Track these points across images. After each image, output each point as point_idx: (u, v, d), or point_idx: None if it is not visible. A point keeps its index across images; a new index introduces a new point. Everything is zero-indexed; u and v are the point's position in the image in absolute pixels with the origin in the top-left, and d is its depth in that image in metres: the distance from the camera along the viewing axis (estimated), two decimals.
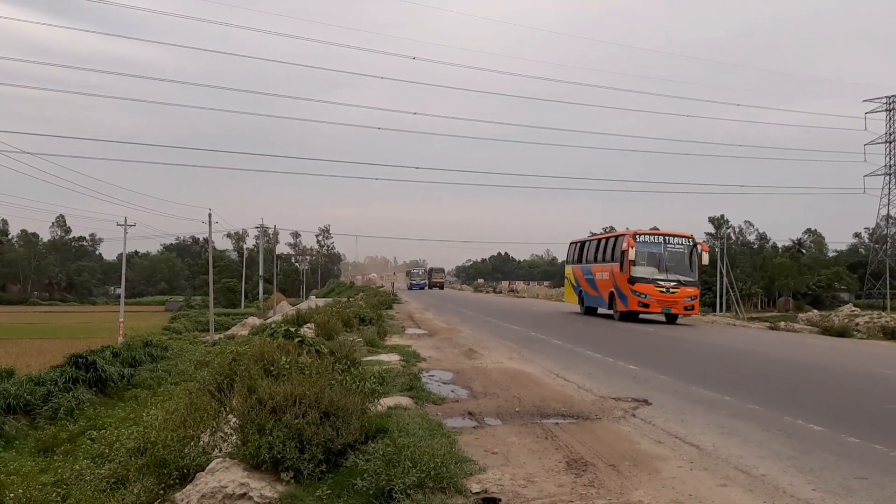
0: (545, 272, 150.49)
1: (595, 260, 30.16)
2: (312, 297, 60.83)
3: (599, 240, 31.59)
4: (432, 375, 12.58)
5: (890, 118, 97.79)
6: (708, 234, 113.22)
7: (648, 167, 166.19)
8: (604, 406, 9.64)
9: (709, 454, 7.09)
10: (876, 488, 5.93)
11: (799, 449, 7.26)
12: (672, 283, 25.74)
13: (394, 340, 19.07)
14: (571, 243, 34.71)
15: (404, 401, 9.39)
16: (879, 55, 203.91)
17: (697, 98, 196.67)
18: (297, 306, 39.25)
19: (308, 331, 16.32)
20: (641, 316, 27.24)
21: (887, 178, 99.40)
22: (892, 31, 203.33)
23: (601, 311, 29.84)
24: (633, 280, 25.71)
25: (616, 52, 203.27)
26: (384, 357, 14.30)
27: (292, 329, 13.74)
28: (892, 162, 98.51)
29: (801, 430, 8.18)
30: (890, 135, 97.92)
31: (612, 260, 27.76)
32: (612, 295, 27.66)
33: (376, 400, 8.11)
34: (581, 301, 31.82)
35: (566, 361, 14.59)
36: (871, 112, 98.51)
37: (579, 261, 32.40)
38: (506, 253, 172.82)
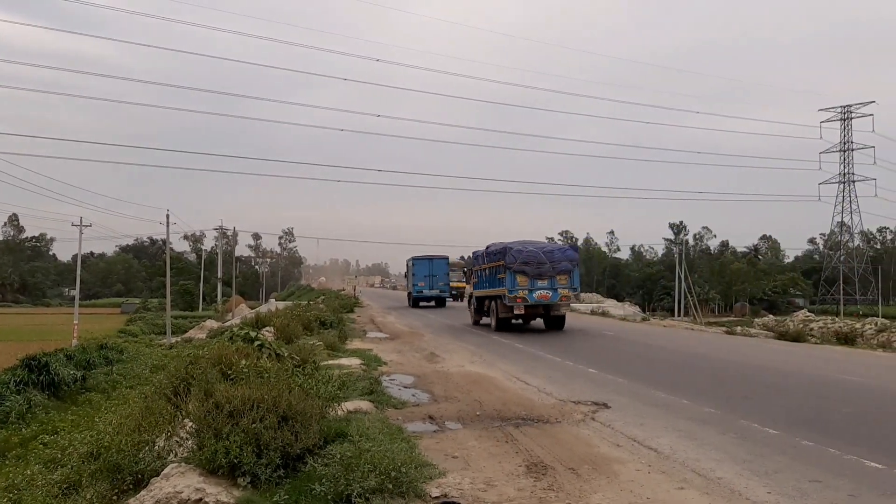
0: None
1: None
2: (272, 300, 60.29)
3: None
4: (393, 379, 12.54)
5: (844, 127, 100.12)
6: (667, 239, 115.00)
7: (609, 173, 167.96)
8: (564, 409, 9.69)
9: (666, 457, 7.15)
10: (829, 491, 6.02)
11: (754, 452, 7.37)
12: None
13: (355, 344, 18.98)
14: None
15: (364, 405, 9.34)
16: (835, 65, 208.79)
17: (657, 105, 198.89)
18: (257, 309, 38.86)
19: (267, 334, 16.16)
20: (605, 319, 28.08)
21: (841, 186, 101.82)
22: (846, 42, 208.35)
23: None
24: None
25: (576, 59, 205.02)
26: (345, 361, 14.21)
27: (251, 332, 13.58)
28: (845, 170, 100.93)
29: (756, 434, 8.30)
30: (844, 144, 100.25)
31: None
32: None
33: (336, 404, 8.04)
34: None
35: (527, 365, 14.65)
36: (827, 121, 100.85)
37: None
38: (470, 257, 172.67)
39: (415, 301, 43.49)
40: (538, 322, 25.12)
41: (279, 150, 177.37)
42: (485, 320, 26.43)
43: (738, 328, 32.28)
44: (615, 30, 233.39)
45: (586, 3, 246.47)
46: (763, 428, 8.56)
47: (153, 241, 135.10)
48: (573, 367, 14.45)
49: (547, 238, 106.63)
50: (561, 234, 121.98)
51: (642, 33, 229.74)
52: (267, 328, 18.58)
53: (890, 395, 11.77)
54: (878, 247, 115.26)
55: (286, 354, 11.46)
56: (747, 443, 7.82)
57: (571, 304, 25.17)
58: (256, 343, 12.11)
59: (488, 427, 8.58)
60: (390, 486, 5.54)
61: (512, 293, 22.55)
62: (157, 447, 7.27)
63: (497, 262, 23.79)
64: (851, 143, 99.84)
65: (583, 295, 67.52)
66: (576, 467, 6.67)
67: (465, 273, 37.28)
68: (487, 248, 25.84)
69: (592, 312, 38.94)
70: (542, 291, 22.48)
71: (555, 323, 24.10)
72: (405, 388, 11.74)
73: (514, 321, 24.02)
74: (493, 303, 24.80)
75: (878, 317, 45.43)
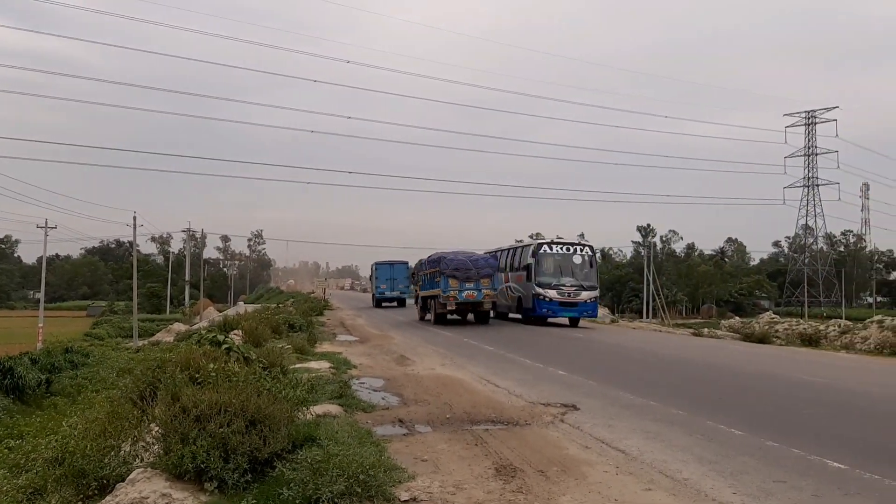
0: None
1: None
2: (241, 303, 59.80)
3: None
4: (363, 383, 12.50)
5: (808, 132, 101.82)
6: (635, 242, 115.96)
7: (580, 176, 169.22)
8: (533, 412, 9.73)
9: (634, 459, 7.21)
10: (793, 491, 6.12)
11: (720, 453, 7.46)
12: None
13: (324, 347, 18.89)
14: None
15: (333, 409, 9.30)
16: (800, 70, 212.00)
17: (627, 109, 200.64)
18: (225, 312, 38.56)
19: (235, 338, 16.01)
20: (569, 321, 28.75)
21: (806, 189, 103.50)
22: (811, 47, 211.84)
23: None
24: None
25: (547, 62, 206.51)
26: (314, 364, 14.14)
27: (219, 336, 13.45)
28: (810, 174, 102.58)
29: (722, 435, 8.40)
30: (808, 148, 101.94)
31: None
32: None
33: (305, 408, 7.99)
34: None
35: (497, 367, 14.69)
36: (791, 126, 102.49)
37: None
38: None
39: (378, 302, 48.63)
40: (509, 325, 26.50)
41: (249, 152, 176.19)
42: (427, 316, 30.79)
43: (705, 330, 32.67)
44: (585, 33, 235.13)
45: (558, 7, 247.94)
46: (729, 429, 8.67)
47: (120, 244, 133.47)
48: (543, 369, 14.52)
49: (516, 241, 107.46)
50: (531, 236, 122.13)
51: (612, 36, 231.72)
52: (235, 331, 18.40)
53: (853, 397, 11.99)
54: (842, 249, 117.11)
55: (254, 358, 11.38)
56: (713, 444, 7.92)
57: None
58: (224, 346, 12.00)
59: (458, 430, 8.59)
60: (359, 490, 5.52)
61: (445, 293, 27.52)
62: (122, 452, 7.18)
63: (435, 268, 28.67)
64: (815, 147, 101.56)
65: None
66: (545, 469, 6.70)
67: (411, 278, 40.34)
68: (429, 257, 31.23)
69: None
70: (469, 291, 27.53)
71: (482, 317, 29.21)
72: (375, 391, 11.71)
73: (448, 316, 29.06)
74: (432, 301, 29.49)
75: (841, 318, 46.17)
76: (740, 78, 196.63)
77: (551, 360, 15.70)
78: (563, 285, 28.15)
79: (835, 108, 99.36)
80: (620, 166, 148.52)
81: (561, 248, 28.95)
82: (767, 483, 6.33)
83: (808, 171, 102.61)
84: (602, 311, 49.97)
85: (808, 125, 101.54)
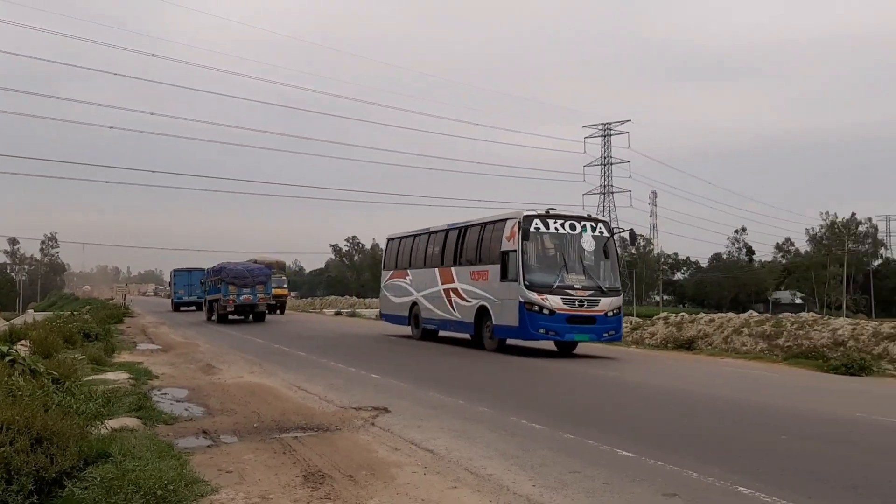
0: (292, 282, 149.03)
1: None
2: (30, 311, 55.25)
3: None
4: (165, 394, 11.92)
5: (604, 143, 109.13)
6: None
7: (394, 180, 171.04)
8: (344, 416, 9.70)
9: (441, 458, 7.37)
10: (587, 480, 6.50)
11: (522, 447, 7.79)
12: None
13: (123, 357, 17.82)
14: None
15: (131, 422, 8.79)
16: (595, 85, 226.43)
17: (441, 116, 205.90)
18: (12, 321, 35.44)
19: (22, 348, 14.74)
20: (389, 326, 24.06)
21: (602, 196, 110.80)
22: (609, 65, 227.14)
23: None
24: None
25: (359, 65, 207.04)
26: (111, 376, 13.30)
27: (2, 347, 12.34)
28: (605, 182, 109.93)
29: (524, 430, 8.79)
30: (604, 158, 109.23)
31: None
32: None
33: (99, 422, 7.52)
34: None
35: (309, 373, 14.51)
36: (590, 137, 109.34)
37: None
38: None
39: (176, 306, 52.41)
40: (327, 331, 25.95)
41: (41, 149, 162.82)
42: (213, 317, 35.29)
43: None
44: (395, 39, 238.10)
45: (371, 12, 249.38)
46: (531, 424, 9.09)
47: None
48: (356, 373, 14.52)
49: (332, 245, 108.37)
50: (347, 240, 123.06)
51: (420, 42, 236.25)
52: (22, 342, 16.95)
53: (640, 388, 12.96)
54: (634, 252, 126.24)
55: (43, 370, 10.54)
56: (516, 438, 8.26)
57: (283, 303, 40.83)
58: (8, 359, 11.03)
59: (266, 439, 8.40)
60: None
61: (226, 297, 33.31)
62: None
63: (218, 276, 34.35)
64: (610, 157, 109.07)
65: (368, 300, 68.51)
66: (354, 474, 6.70)
67: (201, 284, 43.24)
68: (213, 267, 37.12)
69: (377, 317, 39.32)
70: (246, 296, 33.43)
71: (258, 317, 35.13)
72: (178, 402, 11.20)
73: (229, 316, 34.30)
74: (216, 304, 34.81)
75: (633, 316, 49.74)
76: (547, 91, 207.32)
77: (364, 364, 15.75)
78: (573, 287, 17.47)
79: (627, 121, 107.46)
80: (439, 171, 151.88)
81: (563, 225, 17.96)
82: (564, 474, 6.69)
83: (604, 179, 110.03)
84: None
85: (604, 136, 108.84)
